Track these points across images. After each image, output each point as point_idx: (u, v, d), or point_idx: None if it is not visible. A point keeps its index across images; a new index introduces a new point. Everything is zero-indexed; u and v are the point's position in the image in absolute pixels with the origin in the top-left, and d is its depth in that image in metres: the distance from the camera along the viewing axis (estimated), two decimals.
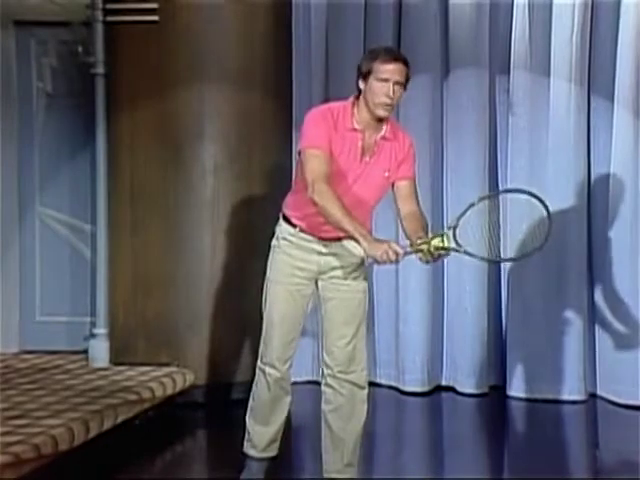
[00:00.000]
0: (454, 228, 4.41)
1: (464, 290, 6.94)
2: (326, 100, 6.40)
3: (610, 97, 6.69)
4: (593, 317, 6.85)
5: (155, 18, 6.50)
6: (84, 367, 6.62)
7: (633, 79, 6.62)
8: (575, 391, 6.77)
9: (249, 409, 4.92)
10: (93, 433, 5.30)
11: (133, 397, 5.85)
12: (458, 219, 4.43)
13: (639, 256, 6.67)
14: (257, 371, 4.85)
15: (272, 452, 4.93)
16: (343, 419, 4.77)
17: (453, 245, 4.38)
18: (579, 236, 6.79)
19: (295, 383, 6.80)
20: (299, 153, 4.58)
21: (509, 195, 4.40)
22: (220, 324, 6.61)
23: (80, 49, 6.66)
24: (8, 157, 7.07)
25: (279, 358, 4.76)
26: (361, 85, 4.55)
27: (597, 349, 6.85)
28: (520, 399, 6.82)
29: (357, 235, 4.34)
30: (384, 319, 7.12)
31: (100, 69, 6.65)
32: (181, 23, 6.54)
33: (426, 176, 6.90)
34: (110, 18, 6.59)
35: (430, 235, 4.38)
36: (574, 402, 6.73)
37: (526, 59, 6.78)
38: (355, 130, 4.56)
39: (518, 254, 4.31)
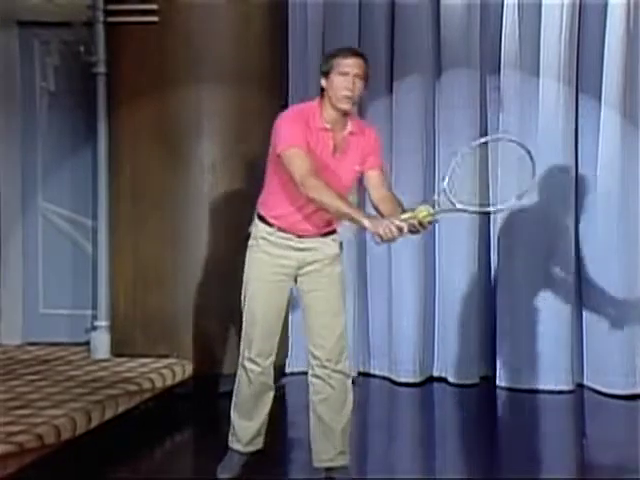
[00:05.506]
0: (441, 193, 4.53)
1: (456, 282, 6.99)
2: None
3: (598, 96, 6.75)
4: (581, 309, 6.90)
5: (155, 19, 6.54)
6: (86, 358, 6.65)
7: (620, 79, 6.68)
8: (563, 381, 6.81)
9: (233, 404, 4.98)
10: (95, 423, 5.34)
11: (133, 388, 5.89)
12: (444, 183, 4.56)
13: (625, 251, 6.74)
14: (239, 368, 4.91)
15: (256, 446, 5.01)
16: (335, 409, 4.83)
17: (439, 214, 4.49)
18: (567, 231, 6.83)
19: (292, 374, 6.97)
20: (278, 156, 4.64)
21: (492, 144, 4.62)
22: (219, 317, 6.62)
23: (82, 49, 6.69)
24: (11, 154, 7.14)
25: (260, 354, 4.84)
26: (323, 83, 4.72)
27: (585, 340, 6.90)
28: (509, 389, 6.87)
29: (359, 217, 4.46)
30: (377, 311, 7.17)
31: (101, 68, 6.70)
32: (180, 24, 6.58)
33: (419, 175, 6.98)
34: (111, 19, 6.64)
35: (414, 208, 4.48)
36: (562, 392, 6.77)
37: (516, 58, 6.81)
38: (326, 129, 4.70)
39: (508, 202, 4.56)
